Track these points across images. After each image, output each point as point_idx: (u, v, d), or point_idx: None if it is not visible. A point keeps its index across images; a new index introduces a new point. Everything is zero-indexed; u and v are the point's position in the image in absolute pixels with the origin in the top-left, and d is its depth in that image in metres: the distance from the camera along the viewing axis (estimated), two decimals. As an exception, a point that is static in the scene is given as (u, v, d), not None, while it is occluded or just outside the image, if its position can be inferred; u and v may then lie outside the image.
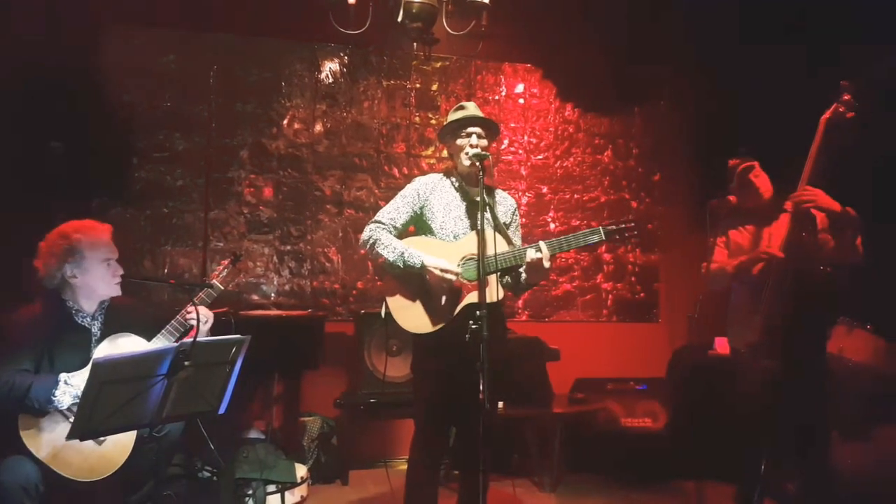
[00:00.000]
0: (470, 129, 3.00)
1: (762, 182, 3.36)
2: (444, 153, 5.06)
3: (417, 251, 2.89)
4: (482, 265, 2.65)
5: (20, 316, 2.75)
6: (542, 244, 2.84)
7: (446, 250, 2.94)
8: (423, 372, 3.04)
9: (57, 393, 2.54)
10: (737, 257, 3.32)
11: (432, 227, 3.02)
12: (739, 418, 3.33)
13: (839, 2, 4.23)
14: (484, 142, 3.01)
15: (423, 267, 2.84)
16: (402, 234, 3.06)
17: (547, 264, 2.83)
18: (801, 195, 3.03)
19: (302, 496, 3.96)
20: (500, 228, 2.93)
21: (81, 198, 4.36)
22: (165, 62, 4.72)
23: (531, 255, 2.82)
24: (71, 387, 2.56)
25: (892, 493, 3.51)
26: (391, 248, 2.92)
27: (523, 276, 3.01)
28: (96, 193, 4.51)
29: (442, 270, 2.81)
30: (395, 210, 3.05)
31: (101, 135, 4.45)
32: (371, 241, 2.98)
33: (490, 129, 3.10)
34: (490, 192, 3.04)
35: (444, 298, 2.87)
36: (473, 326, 2.56)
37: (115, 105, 4.52)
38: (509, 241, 3.02)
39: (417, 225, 3.09)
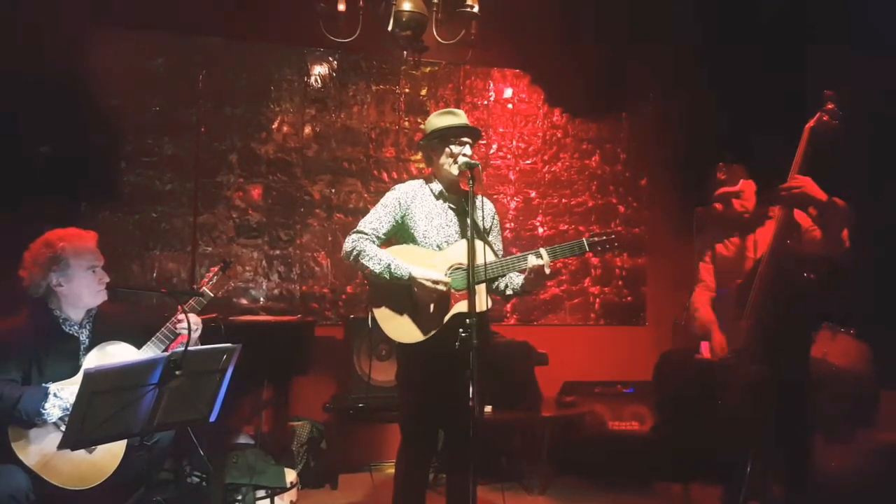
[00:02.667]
0: (464, 139, 3.01)
1: (749, 187, 3.40)
2: (419, 155, 5.08)
3: (404, 262, 2.88)
4: (472, 275, 2.66)
5: (6, 325, 2.73)
6: (542, 251, 2.86)
7: (432, 260, 2.94)
8: (410, 380, 3.04)
9: (46, 406, 2.53)
10: (724, 270, 3.37)
11: (415, 235, 3.01)
12: (725, 421, 3.37)
13: (827, 5, 4.28)
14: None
15: (412, 278, 2.84)
16: (384, 243, 3.04)
17: (548, 270, 2.86)
18: (791, 182, 3.06)
19: (291, 501, 3.96)
20: (482, 237, 2.93)
21: (69, 202, 4.35)
22: (154, 66, 4.71)
23: (533, 260, 2.85)
24: (60, 399, 2.54)
25: (874, 494, 3.56)
26: (377, 260, 2.89)
27: (516, 282, 3.03)
28: (84, 197, 4.49)
29: (433, 282, 2.83)
30: (378, 220, 3.03)
31: (90, 139, 4.43)
32: (355, 252, 2.94)
33: (476, 138, 3.12)
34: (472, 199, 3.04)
35: (431, 308, 2.88)
36: (463, 335, 2.58)
37: (103, 109, 4.50)
38: (494, 251, 3.05)
39: (399, 233, 3.07)
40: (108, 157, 4.61)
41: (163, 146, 4.72)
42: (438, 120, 3.07)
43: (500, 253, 3.17)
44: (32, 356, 2.65)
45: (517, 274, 3.03)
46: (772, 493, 3.59)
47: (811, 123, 3.08)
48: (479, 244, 2.80)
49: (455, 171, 2.97)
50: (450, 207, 3.07)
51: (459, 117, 3.06)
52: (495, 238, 3.17)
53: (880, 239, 3.81)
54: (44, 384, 2.61)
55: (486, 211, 3.11)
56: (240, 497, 3.71)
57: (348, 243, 2.98)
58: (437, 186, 3.09)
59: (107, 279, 2.83)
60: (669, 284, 5.46)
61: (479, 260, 2.76)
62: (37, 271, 2.72)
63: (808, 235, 3.14)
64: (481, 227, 3.00)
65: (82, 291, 2.77)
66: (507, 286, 3.08)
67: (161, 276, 4.68)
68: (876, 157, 4.06)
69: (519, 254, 2.94)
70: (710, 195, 3.53)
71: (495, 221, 3.20)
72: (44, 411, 2.52)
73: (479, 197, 3.10)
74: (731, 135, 4.44)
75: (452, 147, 2.99)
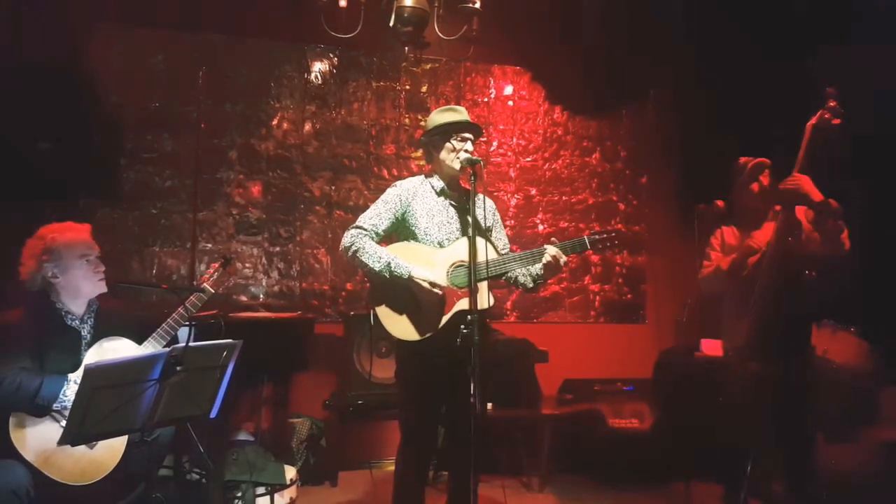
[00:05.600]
0: (465, 135, 3.00)
1: (767, 182, 3.38)
2: (419, 152, 5.08)
3: (404, 261, 2.87)
4: (473, 272, 2.65)
5: (9, 318, 2.74)
6: (549, 247, 2.88)
7: (433, 257, 2.93)
8: (410, 378, 3.02)
9: (68, 392, 2.56)
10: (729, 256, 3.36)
11: (416, 232, 2.99)
12: (725, 419, 3.37)
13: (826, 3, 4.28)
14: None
15: (411, 279, 2.83)
16: (383, 240, 3.03)
17: (563, 261, 2.88)
18: (788, 180, 3.07)
19: (291, 498, 3.96)
20: (484, 234, 2.92)
21: (69, 199, 4.32)
22: (154, 62, 4.70)
23: (547, 257, 2.86)
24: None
25: (875, 493, 3.56)
26: (376, 258, 2.87)
27: (534, 270, 3.02)
28: (84, 194, 4.48)
29: (431, 285, 2.82)
30: (378, 216, 3.00)
31: (89, 135, 4.43)
32: (353, 248, 2.91)
33: (478, 135, 3.11)
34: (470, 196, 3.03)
35: (433, 306, 2.87)
36: (465, 331, 2.57)
37: (103, 105, 4.49)
38: (496, 248, 3.04)
39: (399, 230, 3.05)
40: (107, 153, 4.60)
41: (163, 143, 4.71)
42: (440, 116, 3.05)
43: (507, 248, 3.16)
44: (35, 348, 2.67)
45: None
46: (772, 492, 3.60)
47: (813, 121, 3.08)
48: (481, 241, 2.79)
49: (457, 165, 2.95)
50: (451, 204, 3.06)
51: (461, 114, 3.05)
52: (499, 234, 3.17)
53: (881, 236, 3.81)
54: (48, 375, 2.61)
55: (486, 208, 3.10)
56: (240, 494, 3.70)
57: (347, 238, 2.96)
58: (438, 183, 3.07)
59: (103, 268, 2.86)
60: (670, 282, 5.46)
61: (481, 257, 2.75)
62: (32, 263, 2.76)
63: (811, 235, 3.14)
64: (483, 224, 2.98)
65: (79, 282, 2.80)
66: (526, 275, 3.06)
67: (160, 273, 4.67)
68: (877, 153, 4.06)
69: (530, 250, 2.94)
70: (715, 191, 3.53)
71: (497, 218, 3.20)
72: (64, 398, 2.56)
73: (480, 195, 3.09)
74: (732, 133, 4.42)
75: (454, 142, 2.98)
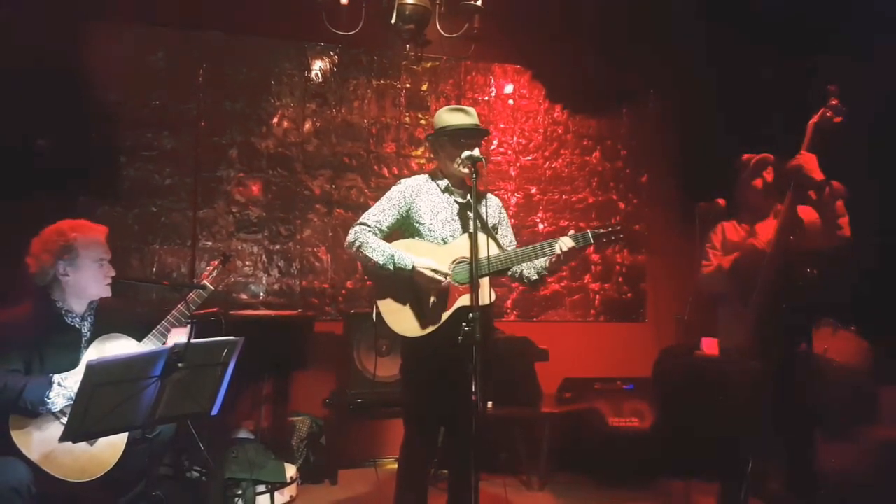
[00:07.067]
0: (472, 142, 2.98)
1: (771, 178, 3.37)
2: (419, 151, 5.09)
3: (407, 253, 2.89)
4: (475, 268, 2.65)
5: (9, 316, 2.73)
6: (566, 238, 2.89)
7: (436, 253, 2.94)
8: (413, 374, 3.04)
9: (51, 395, 2.54)
10: (731, 254, 3.35)
11: (420, 229, 3.01)
12: (725, 418, 3.37)
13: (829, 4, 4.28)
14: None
15: (414, 269, 2.84)
16: (387, 236, 3.04)
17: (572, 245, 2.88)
18: (793, 159, 3.06)
19: (291, 496, 3.97)
20: (488, 231, 2.93)
21: (68, 196, 4.32)
22: (154, 60, 4.69)
23: (566, 243, 2.87)
24: (64, 388, 2.55)
25: (874, 492, 3.56)
26: (380, 251, 2.90)
27: (539, 264, 3.02)
28: (83, 191, 4.47)
29: (432, 271, 2.82)
30: (381, 212, 3.03)
31: (89, 132, 4.43)
32: (357, 243, 2.94)
33: (484, 137, 3.11)
34: (477, 194, 3.03)
35: (435, 301, 2.88)
36: (466, 328, 2.57)
37: (102, 103, 4.49)
38: (499, 244, 3.04)
39: (405, 227, 3.07)
40: (107, 151, 4.59)
41: (162, 140, 4.69)
42: (450, 116, 3.04)
43: (513, 245, 3.16)
44: (34, 347, 2.65)
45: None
46: (772, 490, 3.60)
47: (815, 119, 3.07)
48: (482, 239, 2.78)
49: (464, 169, 2.93)
50: (455, 202, 3.07)
51: (471, 116, 3.03)
52: (505, 231, 3.18)
53: (881, 235, 3.81)
54: (47, 374, 2.60)
55: (491, 206, 3.11)
56: (240, 492, 3.70)
57: (351, 235, 3.00)
58: (443, 182, 3.08)
59: (113, 273, 2.85)
60: (670, 281, 5.47)
61: (483, 253, 2.75)
62: (46, 258, 2.73)
63: (812, 228, 3.13)
64: (487, 222, 2.99)
65: (88, 283, 2.79)
66: (531, 268, 3.07)
67: (161, 271, 4.66)
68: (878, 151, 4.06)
69: (534, 245, 2.95)
70: (715, 190, 3.52)
71: (503, 216, 3.21)
72: (48, 400, 2.53)
73: (487, 194, 3.11)
74: (733, 132, 4.42)
75: (462, 150, 2.94)
